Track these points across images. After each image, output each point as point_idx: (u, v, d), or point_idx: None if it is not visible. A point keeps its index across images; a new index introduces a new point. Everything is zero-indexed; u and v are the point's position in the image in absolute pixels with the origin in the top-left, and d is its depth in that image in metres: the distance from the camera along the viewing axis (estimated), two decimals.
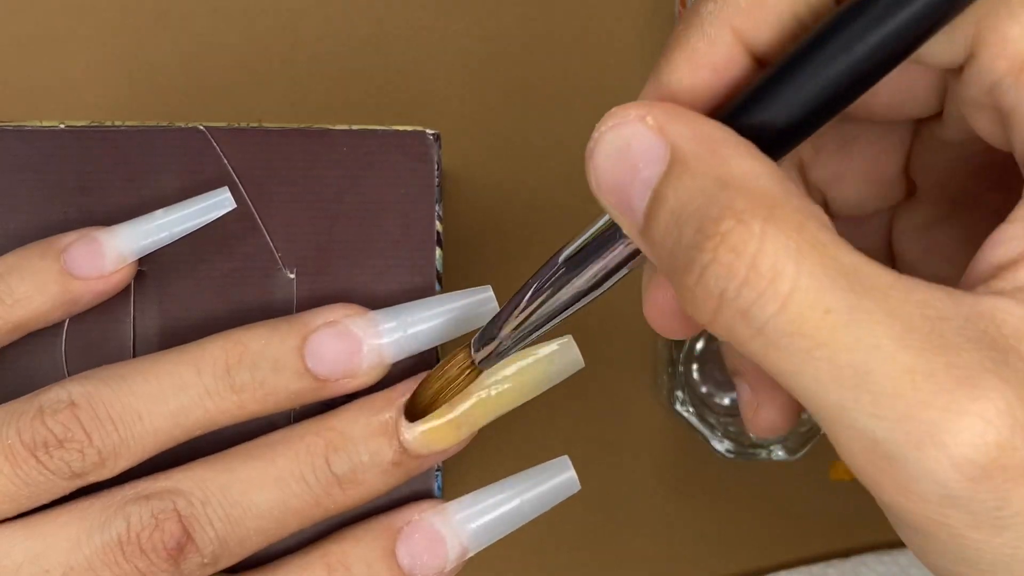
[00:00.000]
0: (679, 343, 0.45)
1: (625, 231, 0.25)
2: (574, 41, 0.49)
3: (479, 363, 0.29)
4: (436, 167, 0.34)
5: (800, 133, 0.24)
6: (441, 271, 0.34)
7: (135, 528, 0.29)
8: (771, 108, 0.23)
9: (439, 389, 0.30)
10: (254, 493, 0.30)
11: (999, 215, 0.24)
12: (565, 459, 0.32)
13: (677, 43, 0.25)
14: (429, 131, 0.34)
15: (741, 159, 0.23)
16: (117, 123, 0.34)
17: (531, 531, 0.49)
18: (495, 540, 0.32)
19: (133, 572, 0.29)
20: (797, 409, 0.29)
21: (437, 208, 0.34)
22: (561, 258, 0.28)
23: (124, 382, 0.30)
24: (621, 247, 0.27)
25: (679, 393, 0.45)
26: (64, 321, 0.33)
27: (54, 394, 0.30)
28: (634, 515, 0.49)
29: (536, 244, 0.49)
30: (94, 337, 0.33)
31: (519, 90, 0.49)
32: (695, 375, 0.47)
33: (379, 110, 0.48)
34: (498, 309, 0.31)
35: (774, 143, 0.24)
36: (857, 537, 0.50)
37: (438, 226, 0.34)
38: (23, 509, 0.30)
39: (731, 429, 0.46)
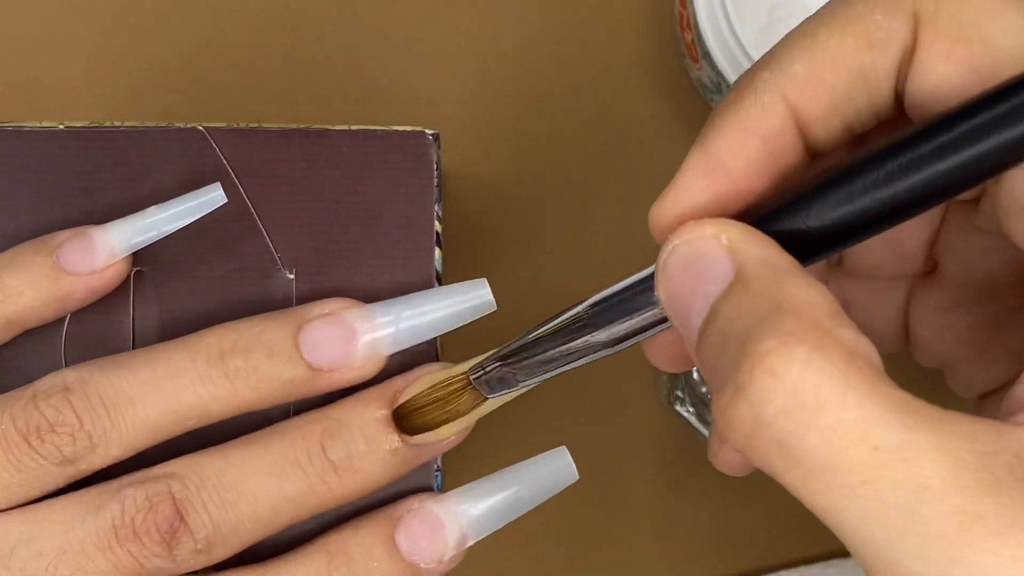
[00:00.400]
0: None
1: (686, 346, 0.25)
2: (574, 41, 0.49)
3: (487, 396, 0.30)
4: (435, 167, 0.34)
5: (846, 242, 0.23)
6: (440, 271, 0.34)
7: (129, 511, 0.29)
8: (820, 214, 0.23)
9: (431, 411, 0.31)
10: (249, 478, 0.30)
11: (1022, 314, 0.23)
12: (563, 449, 0.32)
13: (728, 109, 0.25)
14: (428, 131, 0.34)
15: (801, 288, 0.22)
16: (116, 123, 0.34)
17: (531, 530, 0.49)
18: (494, 529, 0.32)
19: (126, 557, 0.29)
20: None
21: (436, 208, 0.34)
22: (586, 304, 0.28)
23: (119, 368, 0.30)
24: (651, 312, 0.27)
25: (679, 393, 0.45)
26: (64, 322, 0.33)
27: (48, 380, 0.30)
28: (634, 515, 0.49)
29: (535, 244, 0.49)
30: (93, 337, 0.33)
31: (519, 91, 0.49)
32: (695, 375, 0.47)
33: (378, 110, 0.48)
34: (493, 302, 0.32)
35: (816, 248, 0.23)
36: None
37: (437, 226, 0.34)
38: (16, 499, 0.30)
39: None
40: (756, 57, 0.42)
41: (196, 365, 0.30)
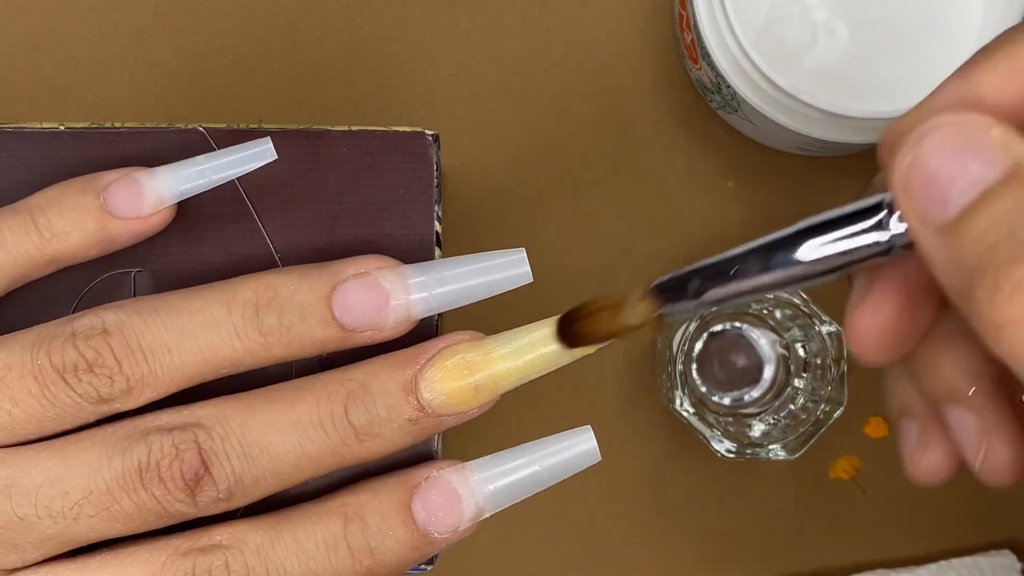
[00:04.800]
0: (679, 343, 0.45)
1: (914, 222, 0.24)
2: (574, 41, 0.49)
3: (661, 310, 0.28)
4: (435, 168, 0.34)
5: None
6: None
7: (155, 456, 0.29)
8: None
9: (602, 318, 0.30)
10: (272, 434, 0.30)
11: None
12: (587, 429, 0.32)
13: (998, 47, 0.24)
14: (428, 132, 0.34)
15: None
16: (117, 124, 0.34)
17: (531, 530, 0.49)
18: (511, 504, 0.32)
19: (150, 499, 0.29)
20: (960, 456, 0.28)
21: (436, 209, 0.34)
22: (797, 227, 0.27)
23: (157, 315, 0.30)
24: (871, 238, 0.25)
25: (679, 393, 0.45)
26: (70, 309, 0.33)
27: (88, 320, 0.30)
28: (634, 515, 0.49)
29: (535, 244, 0.49)
30: None
31: (518, 91, 0.49)
32: (695, 375, 0.47)
33: (378, 111, 0.48)
34: (530, 273, 0.32)
35: None
36: (856, 536, 0.50)
37: (437, 227, 0.34)
38: (46, 432, 0.30)
39: (731, 429, 0.46)
40: (756, 57, 0.42)
41: (232, 318, 0.31)
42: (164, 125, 0.34)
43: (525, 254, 0.32)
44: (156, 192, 0.32)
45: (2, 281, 0.31)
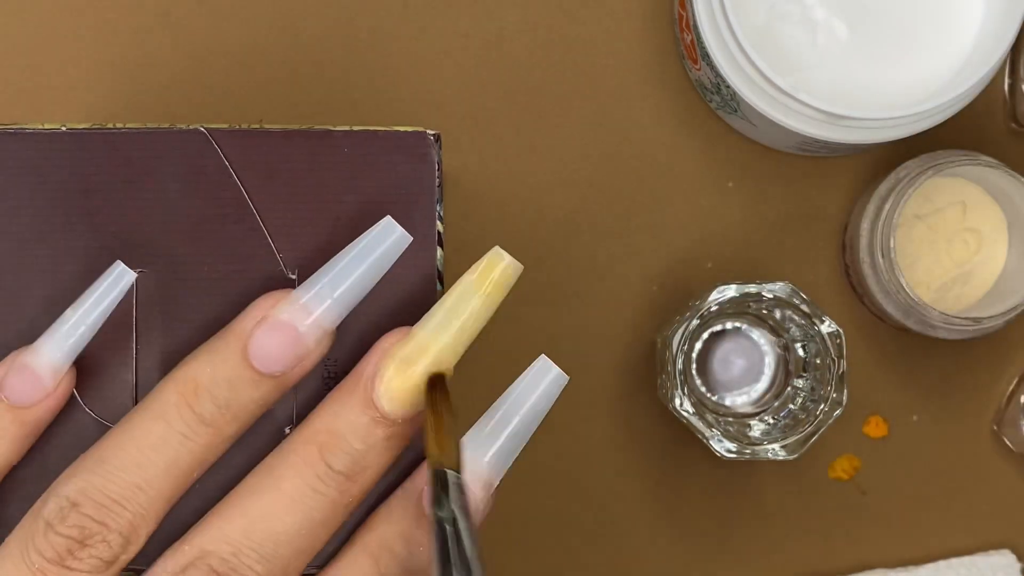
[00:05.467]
0: (679, 343, 0.45)
1: None
2: (574, 41, 0.49)
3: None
4: (437, 168, 0.34)
5: None
6: (442, 271, 0.34)
7: None
8: None
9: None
10: (276, 523, 0.30)
11: None
12: (542, 358, 0.33)
13: None
14: (430, 132, 0.34)
15: None
16: (118, 125, 0.34)
17: (531, 530, 0.49)
18: (512, 460, 0.32)
19: None
20: None
21: (438, 208, 0.34)
22: None
23: (107, 464, 0.30)
24: None
25: (679, 393, 0.45)
26: None
27: (53, 504, 0.30)
28: (633, 515, 0.49)
29: (536, 244, 0.49)
30: (96, 339, 0.33)
31: (519, 91, 0.49)
32: (695, 375, 0.47)
33: (380, 111, 0.48)
34: (406, 233, 0.32)
35: None
36: (856, 536, 0.50)
37: (439, 226, 0.34)
38: None
39: (731, 429, 0.46)
40: (755, 57, 0.42)
41: (174, 427, 0.31)
42: (166, 125, 0.34)
43: (391, 219, 0.32)
44: (49, 364, 0.31)
45: None
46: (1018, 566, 0.49)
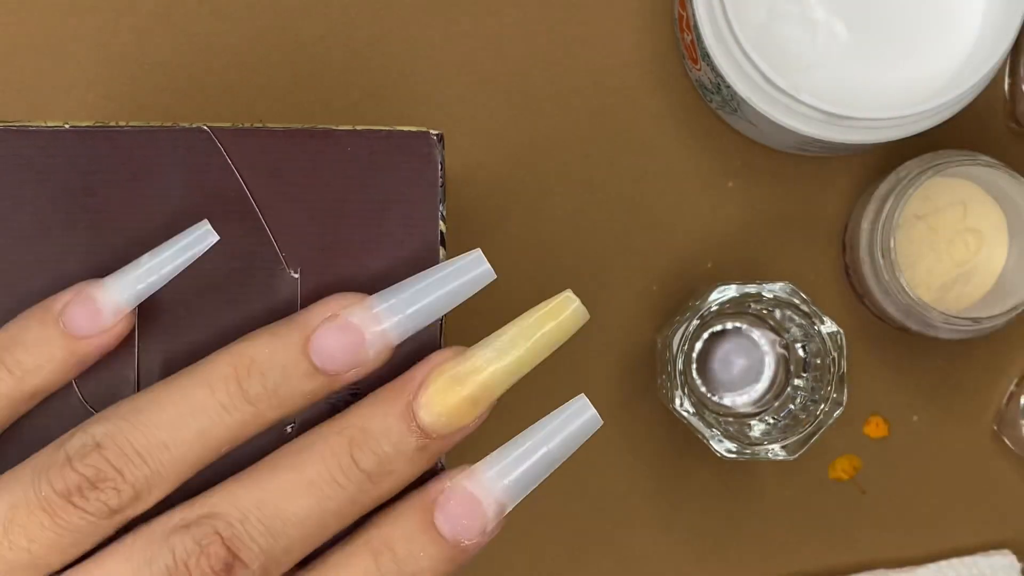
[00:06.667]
0: (679, 343, 0.45)
1: None
2: (574, 42, 0.49)
3: None
4: (439, 167, 0.34)
5: None
6: None
7: (181, 558, 0.29)
8: None
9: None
10: (289, 503, 0.30)
11: None
12: (582, 397, 0.32)
13: None
14: (432, 132, 0.34)
15: None
16: (121, 123, 0.34)
17: (531, 530, 0.49)
18: (530, 490, 0.32)
19: None
20: None
21: (440, 208, 0.34)
22: None
23: (142, 415, 0.30)
24: None
25: (679, 393, 0.45)
26: None
27: (78, 440, 0.30)
28: (633, 515, 0.49)
29: (538, 243, 0.49)
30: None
31: (521, 91, 0.49)
32: (695, 375, 0.47)
33: (382, 111, 0.48)
34: (491, 270, 0.32)
35: None
36: (856, 536, 0.50)
37: (441, 226, 0.34)
38: (70, 558, 0.30)
39: (731, 429, 0.46)
40: (756, 57, 0.42)
41: (217, 396, 0.30)
42: (168, 124, 0.34)
43: (481, 253, 0.32)
44: (113, 303, 0.31)
45: None
46: (1018, 566, 0.49)
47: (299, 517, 0.30)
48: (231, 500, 0.30)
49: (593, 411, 0.32)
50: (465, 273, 0.32)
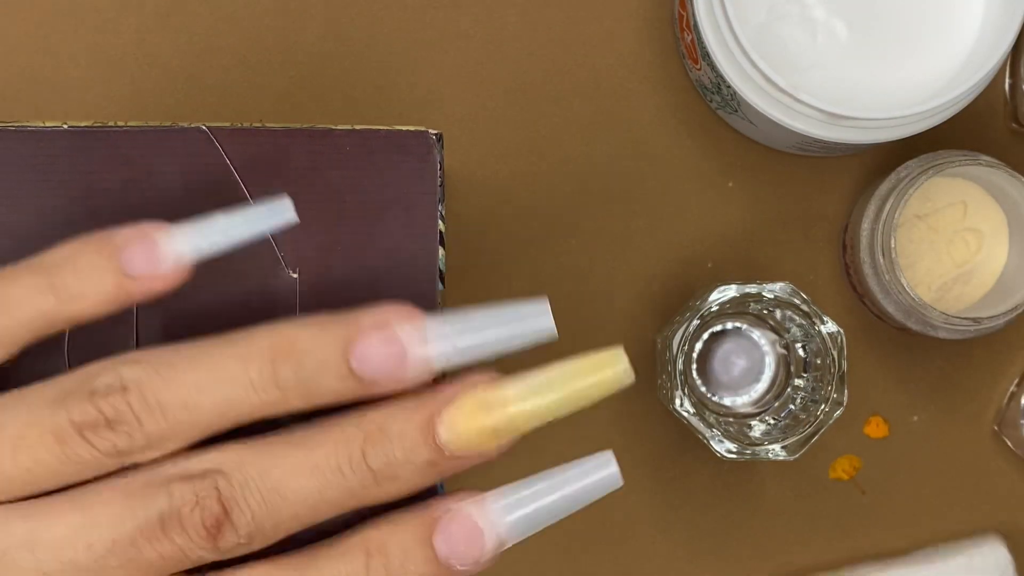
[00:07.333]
0: (679, 343, 0.45)
1: None
2: (574, 41, 0.49)
3: None
4: (438, 167, 0.34)
5: None
6: (444, 271, 0.34)
7: (176, 504, 0.30)
8: None
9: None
10: (292, 480, 0.30)
11: None
12: (608, 453, 0.32)
13: None
14: (431, 131, 0.34)
15: None
16: (120, 123, 0.34)
17: None
18: (533, 532, 0.32)
19: (172, 548, 0.30)
20: None
21: (439, 208, 0.34)
22: None
23: (173, 370, 0.30)
24: None
25: (679, 393, 0.45)
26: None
27: (106, 377, 0.30)
28: (633, 514, 0.49)
29: (537, 244, 0.49)
30: (96, 337, 0.33)
31: (520, 90, 0.49)
32: (695, 375, 0.47)
33: (381, 110, 0.48)
34: (554, 330, 0.31)
35: None
36: (856, 536, 0.50)
37: (440, 226, 0.34)
38: (63, 484, 0.30)
39: (731, 429, 0.46)
40: (756, 57, 0.42)
41: (249, 373, 0.30)
42: (167, 124, 0.34)
43: (548, 307, 0.31)
44: (175, 251, 0.31)
45: (18, 342, 0.31)
46: (1010, 559, 0.49)
47: (297, 496, 0.30)
48: (237, 463, 0.30)
49: (616, 468, 0.32)
50: (528, 324, 0.31)
